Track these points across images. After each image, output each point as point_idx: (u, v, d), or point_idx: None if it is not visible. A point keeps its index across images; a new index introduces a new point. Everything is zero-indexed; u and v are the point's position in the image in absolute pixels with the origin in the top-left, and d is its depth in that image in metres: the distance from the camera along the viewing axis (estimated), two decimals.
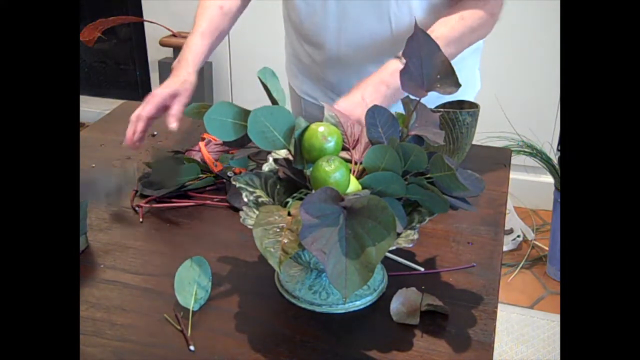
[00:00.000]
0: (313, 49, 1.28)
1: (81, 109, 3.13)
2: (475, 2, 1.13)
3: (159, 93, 1.12)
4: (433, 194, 0.82)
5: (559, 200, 2.20)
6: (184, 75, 1.15)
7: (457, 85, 0.86)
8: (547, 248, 2.38)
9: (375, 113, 0.86)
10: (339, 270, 0.72)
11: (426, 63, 0.87)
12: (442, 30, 1.11)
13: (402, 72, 0.86)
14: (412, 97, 0.88)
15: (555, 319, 2.10)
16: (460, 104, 1.13)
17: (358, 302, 0.88)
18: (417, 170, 0.84)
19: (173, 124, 1.10)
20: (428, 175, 0.83)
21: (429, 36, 0.86)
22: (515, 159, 2.25)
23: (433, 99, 0.98)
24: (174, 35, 2.80)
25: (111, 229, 1.06)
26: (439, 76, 0.87)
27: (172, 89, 1.13)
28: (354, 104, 1.05)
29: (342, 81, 1.27)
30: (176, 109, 1.11)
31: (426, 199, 0.83)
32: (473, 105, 1.12)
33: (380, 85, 1.07)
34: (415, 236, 0.80)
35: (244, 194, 0.87)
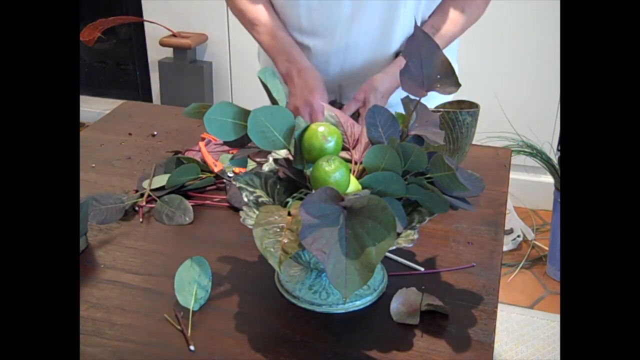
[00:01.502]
0: (318, 41, 1.28)
1: (81, 109, 3.13)
2: None
3: (320, 106, 1.18)
4: (433, 194, 0.82)
5: (559, 200, 2.20)
6: (312, 72, 1.21)
7: (457, 85, 0.86)
8: (547, 248, 2.38)
9: (375, 113, 0.86)
10: (339, 270, 0.72)
11: (426, 63, 0.86)
12: (447, 27, 1.24)
13: (402, 72, 0.86)
14: (412, 97, 0.88)
15: (555, 319, 2.10)
16: (460, 104, 1.13)
17: (358, 302, 0.88)
18: (417, 170, 0.84)
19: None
20: (428, 175, 0.83)
21: (429, 36, 0.86)
22: (515, 159, 2.26)
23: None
24: (174, 35, 2.80)
25: (111, 229, 1.06)
26: (439, 76, 0.87)
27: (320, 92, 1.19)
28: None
29: (344, 69, 1.29)
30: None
31: (426, 199, 0.83)
32: (473, 105, 1.12)
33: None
34: (415, 236, 0.80)
35: (244, 194, 0.87)
